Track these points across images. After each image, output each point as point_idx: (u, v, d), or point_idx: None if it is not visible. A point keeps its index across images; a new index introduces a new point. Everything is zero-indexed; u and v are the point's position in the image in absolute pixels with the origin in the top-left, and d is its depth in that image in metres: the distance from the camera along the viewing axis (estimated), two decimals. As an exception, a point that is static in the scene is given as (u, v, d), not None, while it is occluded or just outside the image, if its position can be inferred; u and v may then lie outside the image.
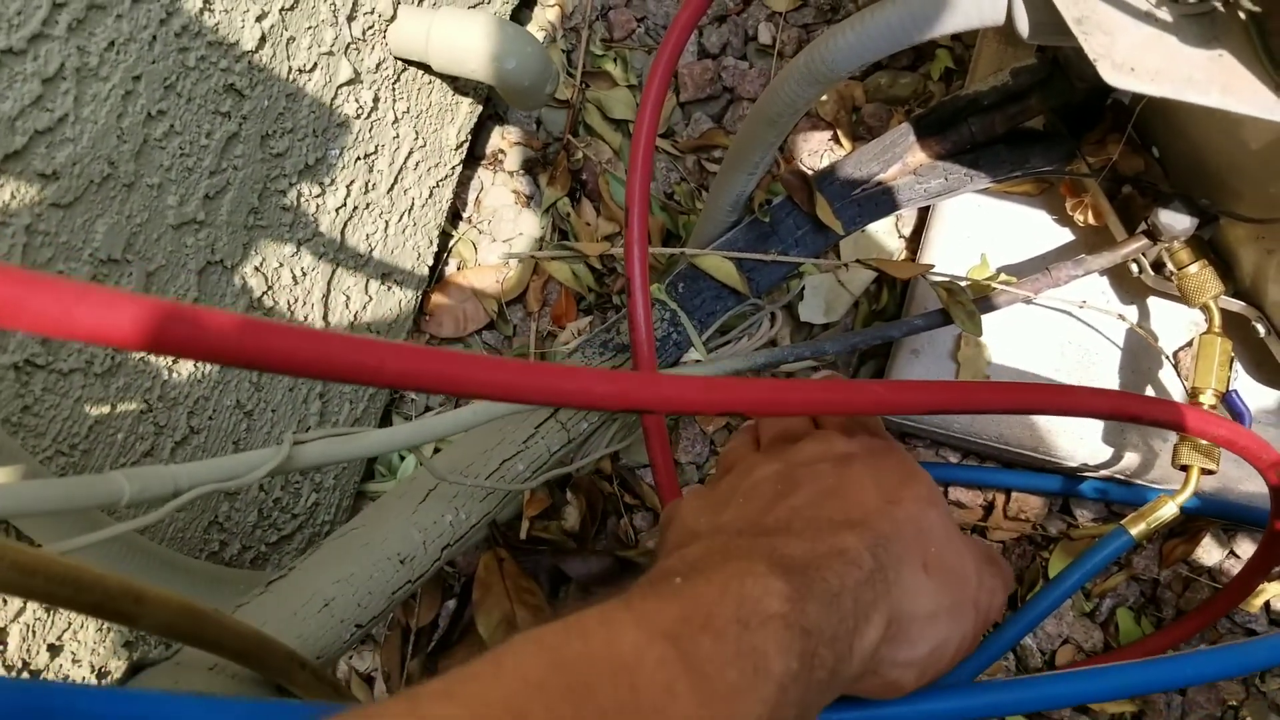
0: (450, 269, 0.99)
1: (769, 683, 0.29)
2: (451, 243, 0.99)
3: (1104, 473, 0.84)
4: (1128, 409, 0.57)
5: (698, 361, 0.77)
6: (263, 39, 0.63)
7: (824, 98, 0.96)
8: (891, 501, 0.39)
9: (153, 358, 0.60)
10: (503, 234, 0.99)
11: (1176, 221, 0.74)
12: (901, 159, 0.77)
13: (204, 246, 0.63)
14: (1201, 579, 0.87)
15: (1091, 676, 0.44)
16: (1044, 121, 0.80)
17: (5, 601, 0.53)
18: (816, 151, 0.97)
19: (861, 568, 0.35)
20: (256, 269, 0.68)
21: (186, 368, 0.64)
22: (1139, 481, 0.84)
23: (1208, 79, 0.51)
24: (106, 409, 0.57)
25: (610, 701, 0.26)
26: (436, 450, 0.85)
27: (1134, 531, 0.70)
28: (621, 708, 0.26)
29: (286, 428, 0.76)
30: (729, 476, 0.44)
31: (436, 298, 0.97)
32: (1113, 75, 0.52)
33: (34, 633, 0.56)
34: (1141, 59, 0.52)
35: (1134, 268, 0.80)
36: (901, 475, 0.41)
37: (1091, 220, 0.82)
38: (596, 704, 0.25)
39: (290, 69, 0.66)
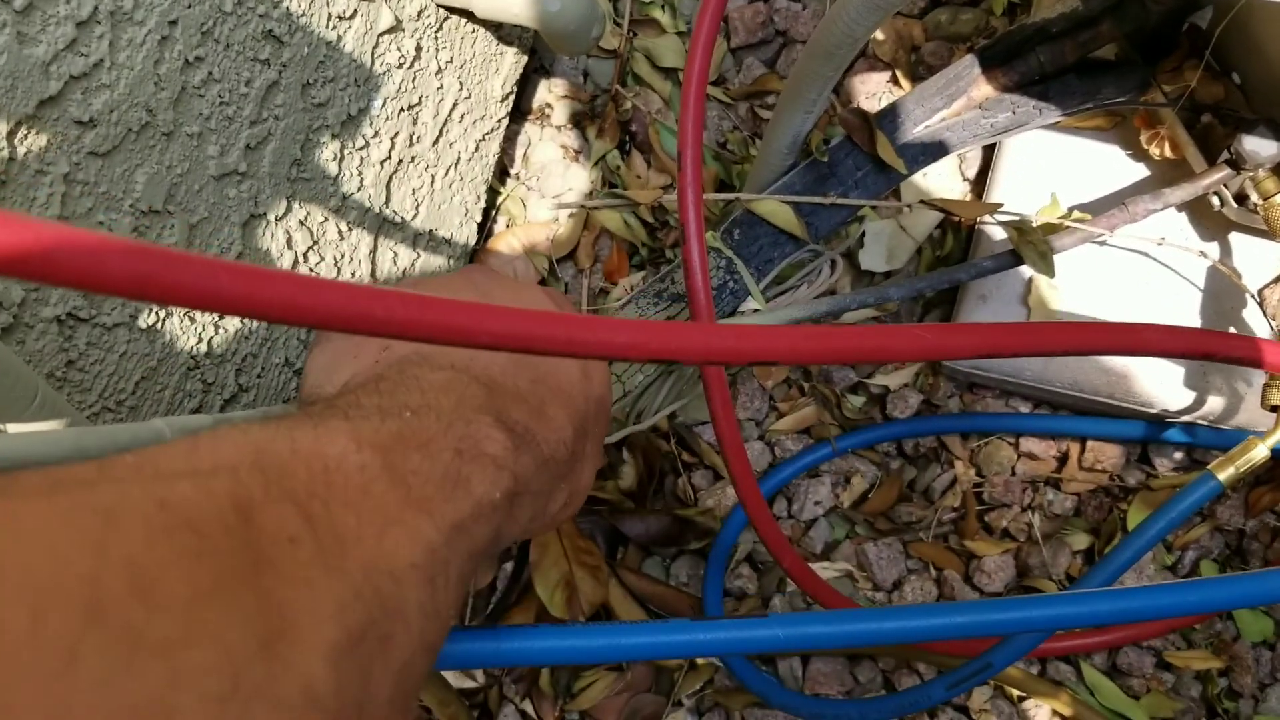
0: (499, 226, 0.97)
1: (467, 499, 0.30)
2: (500, 199, 0.97)
3: (1185, 418, 0.81)
4: (1203, 346, 0.54)
5: (756, 310, 0.74)
6: (300, -17, 0.61)
7: (881, 36, 0.93)
8: (588, 377, 0.41)
9: (199, 313, 0.59)
10: (552, 190, 0.97)
11: (1262, 148, 0.70)
12: (966, 93, 0.73)
13: (247, 199, 0.61)
14: (1291, 528, 0.83)
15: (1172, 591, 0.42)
16: (1116, 50, 0.76)
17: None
18: (875, 94, 0.94)
19: (567, 447, 0.38)
20: (301, 223, 0.67)
21: (233, 323, 0.62)
22: (1225, 426, 0.80)
23: (1307, -23, 0.47)
24: (153, 364, 0.56)
25: (303, 488, 0.26)
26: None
27: (1222, 476, 0.66)
28: (312, 495, 0.26)
29: (337, 387, 0.75)
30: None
31: (485, 256, 0.95)
32: (1202, -22, 0.49)
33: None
34: (1233, -40, 0.48)
35: (1215, 201, 0.76)
36: None
37: (1169, 153, 0.78)
38: (286, 486, 0.25)
39: (330, 15, 0.64)
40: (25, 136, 0.46)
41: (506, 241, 0.95)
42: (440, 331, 0.30)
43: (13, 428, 0.45)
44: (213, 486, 0.24)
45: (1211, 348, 0.55)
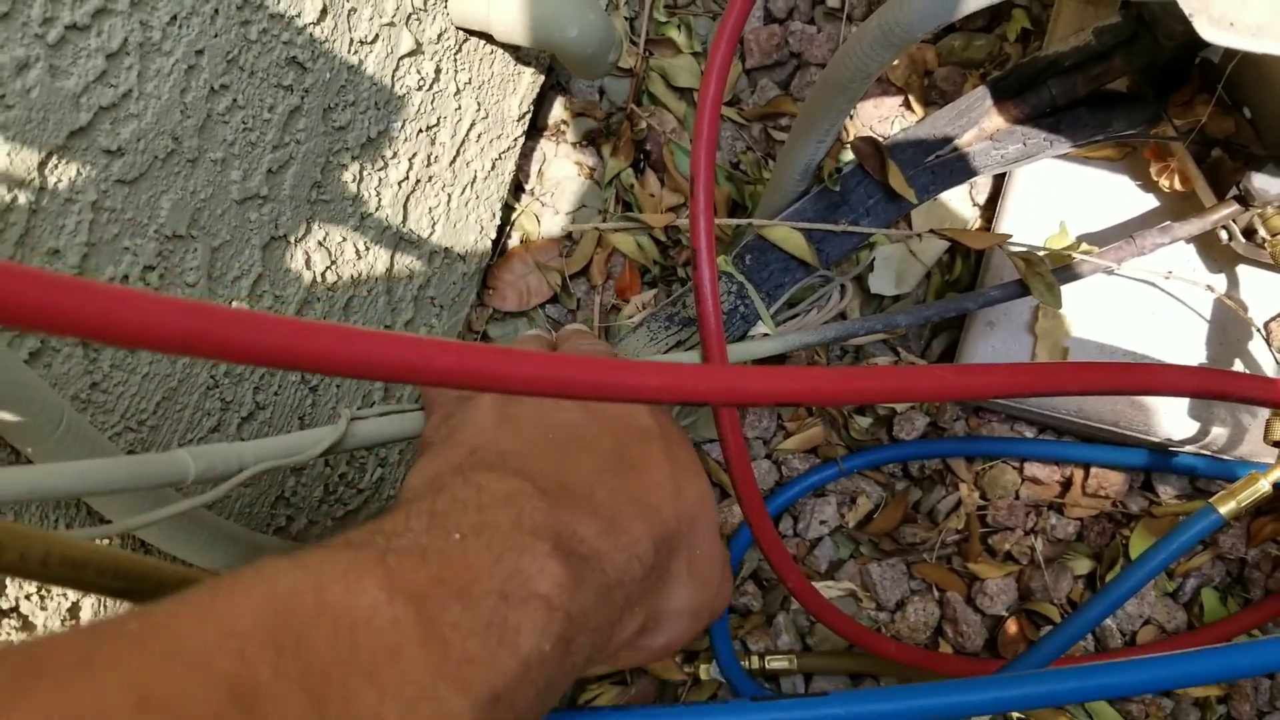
0: (513, 242, 0.98)
1: (512, 658, 0.27)
2: (514, 216, 0.98)
3: (1190, 448, 0.81)
4: (1213, 386, 0.55)
5: (766, 335, 0.75)
6: (324, 10, 0.62)
7: (894, 61, 0.93)
8: (679, 493, 0.38)
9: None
10: (565, 206, 0.98)
11: (1271, 185, 0.71)
12: (978, 124, 0.74)
13: (268, 221, 0.62)
14: (1292, 559, 0.83)
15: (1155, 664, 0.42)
16: (1128, 83, 0.77)
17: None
18: (887, 118, 0.95)
19: (644, 564, 0.34)
20: (320, 243, 0.68)
21: (252, 343, 0.64)
22: (1227, 457, 0.81)
23: (1315, 33, 0.48)
24: (174, 384, 0.58)
25: (320, 659, 0.23)
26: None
27: (1223, 510, 0.67)
28: (330, 668, 0.23)
29: (350, 403, 0.76)
30: (530, 401, 0.41)
31: (499, 271, 0.96)
32: (1210, 32, 0.50)
33: (107, 608, 0.57)
34: (1241, 13, 0.49)
35: (1223, 235, 0.76)
36: (691, 467, 0.40)
37: (1178, 185, 0.79)
38: (302, 659, 0.23)
39: (352, 41, 0.65)
40: (56, 166, 0.48)
41: (520, 257, 0.96)
42: (476, 378, 0.31)
43: (37, 453, 0.46)
44: (212, 668, 0.22)
45: (1226, 388, 0.55)
